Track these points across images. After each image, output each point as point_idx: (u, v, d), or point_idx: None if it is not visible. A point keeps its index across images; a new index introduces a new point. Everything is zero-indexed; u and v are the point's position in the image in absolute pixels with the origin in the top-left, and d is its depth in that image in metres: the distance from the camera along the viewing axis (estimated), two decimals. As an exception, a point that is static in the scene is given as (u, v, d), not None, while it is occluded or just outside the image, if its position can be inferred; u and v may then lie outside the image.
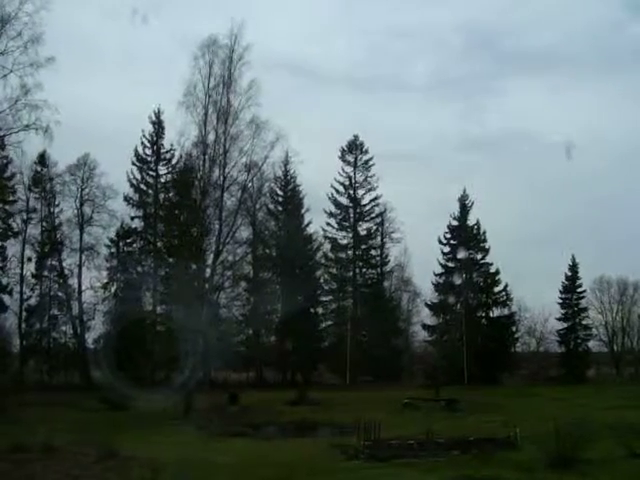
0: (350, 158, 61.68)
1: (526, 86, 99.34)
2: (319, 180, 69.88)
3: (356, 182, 61.53)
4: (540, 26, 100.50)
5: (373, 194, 61.38)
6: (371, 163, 61.34)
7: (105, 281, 52.47)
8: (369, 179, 61.30)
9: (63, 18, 73.97)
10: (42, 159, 50.57)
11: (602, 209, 79.31)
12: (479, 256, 60.91)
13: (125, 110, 74.59)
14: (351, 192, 61.65)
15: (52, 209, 51.68)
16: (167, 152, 53.78)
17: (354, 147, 61.67)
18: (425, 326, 61.46)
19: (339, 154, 61.55)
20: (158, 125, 54.31)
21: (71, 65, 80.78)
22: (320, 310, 62.15)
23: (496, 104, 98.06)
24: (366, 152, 61.50)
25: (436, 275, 60.76)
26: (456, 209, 60.95)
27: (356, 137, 61.66)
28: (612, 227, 77.25)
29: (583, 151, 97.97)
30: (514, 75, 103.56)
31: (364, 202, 61.77)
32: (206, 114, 37.93)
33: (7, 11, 32.77)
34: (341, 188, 61.59)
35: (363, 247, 62.42)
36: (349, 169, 61.61)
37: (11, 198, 50.16)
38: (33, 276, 51.73)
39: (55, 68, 34.00)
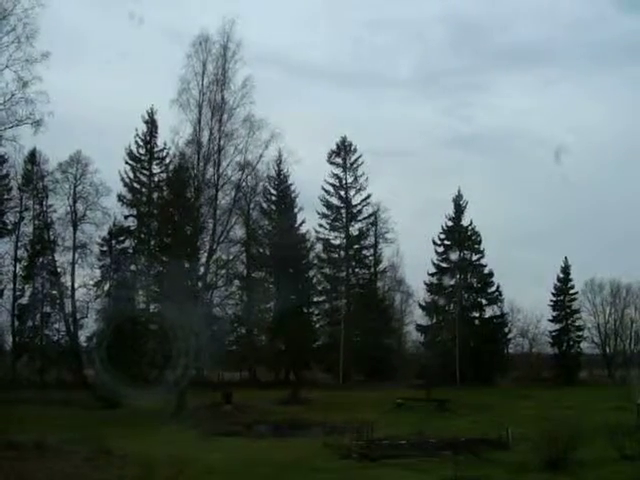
0: (339, 159, 61.32)
1: (516, 82, 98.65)
2: (308, 177, 69.60)
3: (347, 183, 61.31)
4: (529, 19, 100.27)
5: (364, 194, 61.26)
6: (360, 162, 61.06)
7: (98, 279, 52.29)
8: (359, 179, 61.08)
9: (54, 12, 73.39)
10: (32, 157, 50.00)
11: (595, 210, 78.89)
12: (473, 257, 60.95)
13: (117, 107, 74.25)
14: (342, 193, 61.39)
15: (45, 207, 51.40)
16: (161, 151, 53.65)
17: (343, 148, 61.25)
18: (418, 326, 61.55)
19: (328, 155, 61.10)
20: (151, 124, 54.07)
21: (62, 60, 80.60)
22: (313, 310, 62.20)
23: (487, 100, 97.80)
24: (355, 151, 61.16)
25: (430, 275, 60.82)
26: (449, 209, 60.86)
27: (344, 138, 61.25)
28: (605, 228, 77.25)
29: (574, 150, 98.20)
30: (503, 70, 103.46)
31: (355, 202, 61.56)
32: (200, 112, 37.61)
33: (3, 7, 32.65)
34: (332, 189, 61.31)
35: (356, 247, 62.23)
36: (339, 170, 61.29)
37: (6, 196, 49.93)
38: (25, 274, 51.45)
39: (49, 64, 33.86)
